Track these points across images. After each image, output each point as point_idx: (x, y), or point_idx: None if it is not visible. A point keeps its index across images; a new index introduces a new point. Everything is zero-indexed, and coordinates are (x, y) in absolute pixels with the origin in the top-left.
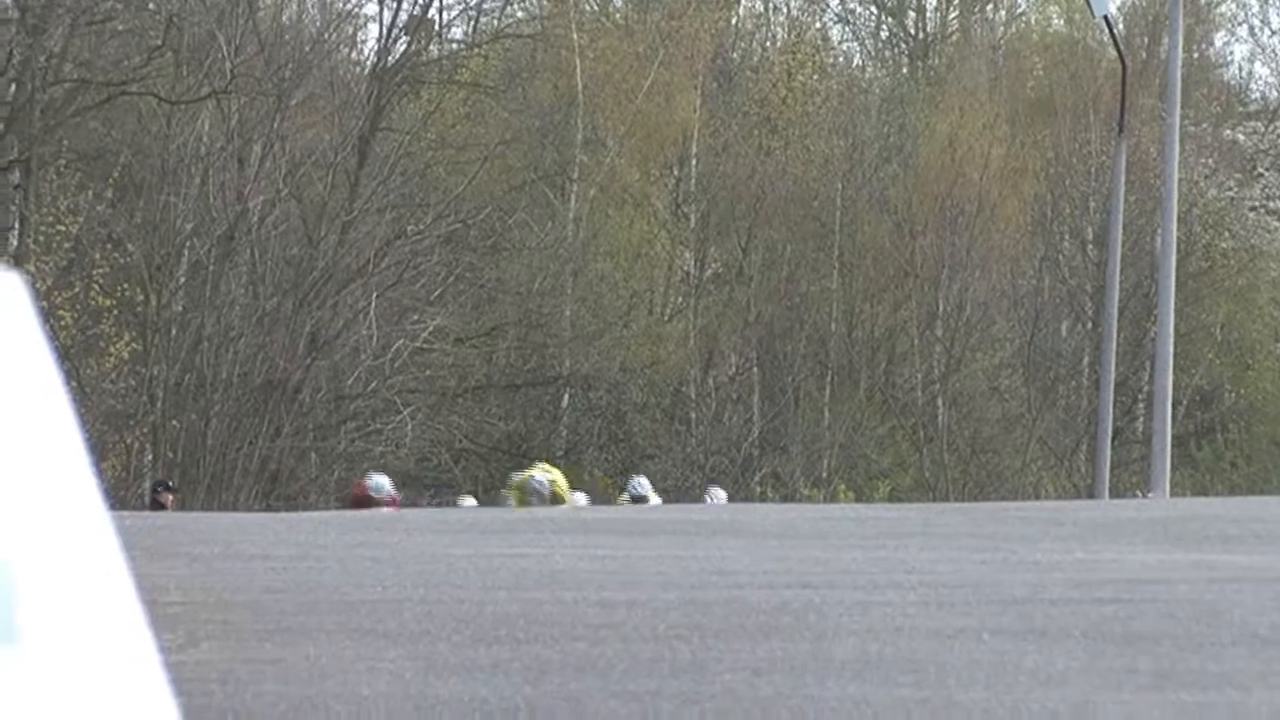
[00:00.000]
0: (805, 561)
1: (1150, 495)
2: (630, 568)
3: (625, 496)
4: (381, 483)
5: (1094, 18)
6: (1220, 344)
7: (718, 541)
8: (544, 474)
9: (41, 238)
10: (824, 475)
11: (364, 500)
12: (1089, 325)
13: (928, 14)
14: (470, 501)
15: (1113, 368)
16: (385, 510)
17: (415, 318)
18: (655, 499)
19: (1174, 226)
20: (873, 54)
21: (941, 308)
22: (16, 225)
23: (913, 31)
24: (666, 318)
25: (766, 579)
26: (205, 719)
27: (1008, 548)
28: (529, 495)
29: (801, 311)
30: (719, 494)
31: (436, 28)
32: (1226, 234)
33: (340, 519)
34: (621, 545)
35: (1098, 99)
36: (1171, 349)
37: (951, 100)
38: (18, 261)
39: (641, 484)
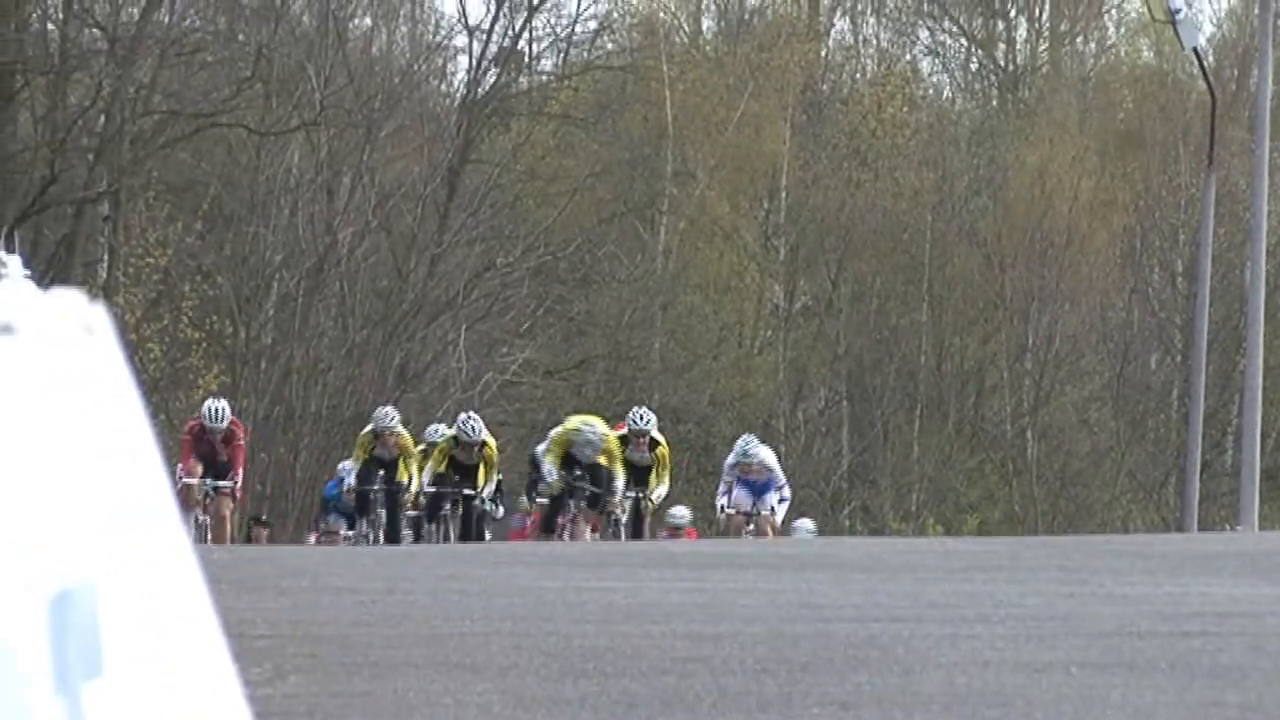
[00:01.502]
0: (893, 595)
1: (1239, 528)
2: (718, 601)
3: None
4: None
5: (1183, 50)
6: None
7: (805, 575)
8: (588, 425)
9: (131, 269)
10: (913, 509)
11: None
12: (1178, 358)
13: (1017, 46)
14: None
15: (1201, 401)
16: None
17: (504, 350)
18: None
19: (1263, 259)
20: (962, 86)
21: (1031, 340)
22: (106, 257)
23: (1002, 64)
24: (756, 350)
25: (854, 612)
26: None
27: (1096, 581)
28: (581, 447)
29: (891, 344)
30: (808, 525)
31: (526, 59)
32: None
33: (428, 552)
34: (709, 579)
35: (1187, 131)
36: (1260, 382)
37: (1041, 133)
38: (107, 294)
39: (680, 514)
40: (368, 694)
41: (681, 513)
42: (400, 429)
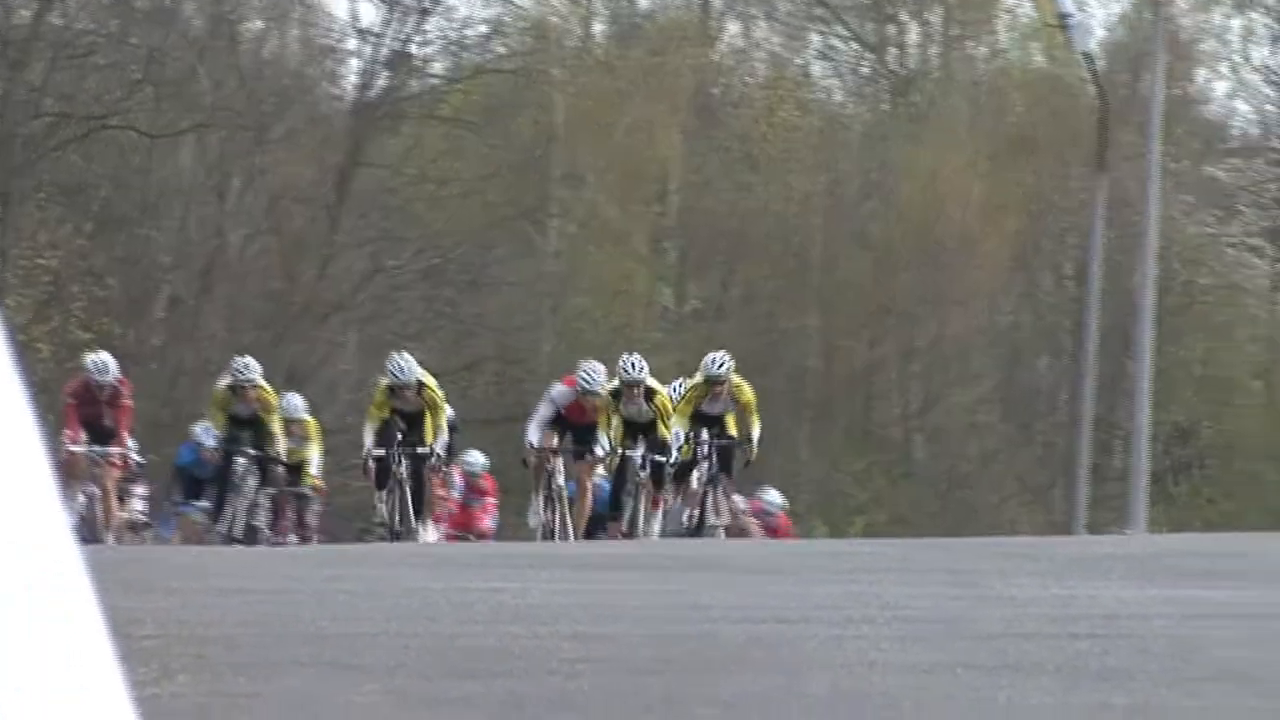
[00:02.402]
0: (779, 596)
1: (1127, 531)
2: (603, 602)
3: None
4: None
5: (1075, 54)
6: (1198, 380)
7: (691, 576)
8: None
9: (21, 271)
10: (801, 511)
11: None
12: (1067, 361)
13: (909, 50)
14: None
15: (1090, 404)
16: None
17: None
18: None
19: (1153, 263)
20: (853, 90)
21: (920, 344)
22: None
23: (894, 68)
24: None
25: (740, 613)
26: None
27: (983, 583)
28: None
29: (780, 347)
30: (776, 497)
31: (417, 62)
32: (1205, 270)
33: (316, 552)
34: (595, 580)
35: (1078, 135)
36: (1149, 385)
37: (932, 137)
38: None
39: (773, 498)
40: (254, 694)
41: (773, 497)
42: (262, 381)
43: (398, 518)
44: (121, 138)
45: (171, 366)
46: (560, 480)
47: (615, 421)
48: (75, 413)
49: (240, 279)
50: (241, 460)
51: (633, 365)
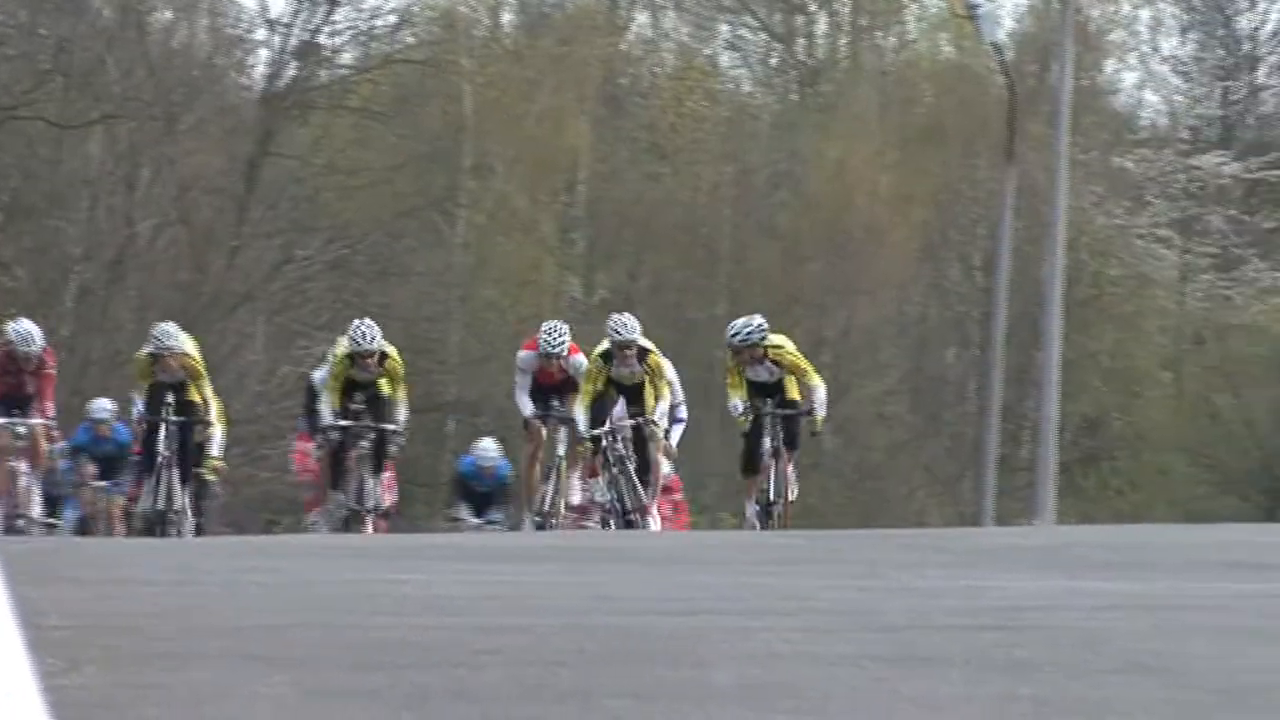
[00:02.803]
0: (689, 587)
1: (1034, 523)
2: (513, 594)
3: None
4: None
5: (983, 44)
6: (1107, 371)
7: (602, 568)
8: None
9: None
10: (709, 502)
11: None
12: (975, 352)
13: (817, 40)
14: None
15: (998, 395)
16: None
17: (303, 343)
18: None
19: (1061, 253)
20: (762, 80)
21: (829, 334)
22: None
23: (802, 58)
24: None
25: (649, 605)
26: None
27: (891, 575)
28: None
29: (689, 338)
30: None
31: (326, 52)
32: (1114, 261)
33: (225, 544)
34: (504, 571)
35: (986, 126)
36: (1057, 376)
37: (841, 127)
38: None
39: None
40: (162, 685)
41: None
42: (186, 347)
43: (357, 498)
44: (30, 128)
45: (80, 357)
46: (620, 449)
47: (601, 388)
48: None
49: (149, 269)
50: (164, 429)
51: (624, 325)
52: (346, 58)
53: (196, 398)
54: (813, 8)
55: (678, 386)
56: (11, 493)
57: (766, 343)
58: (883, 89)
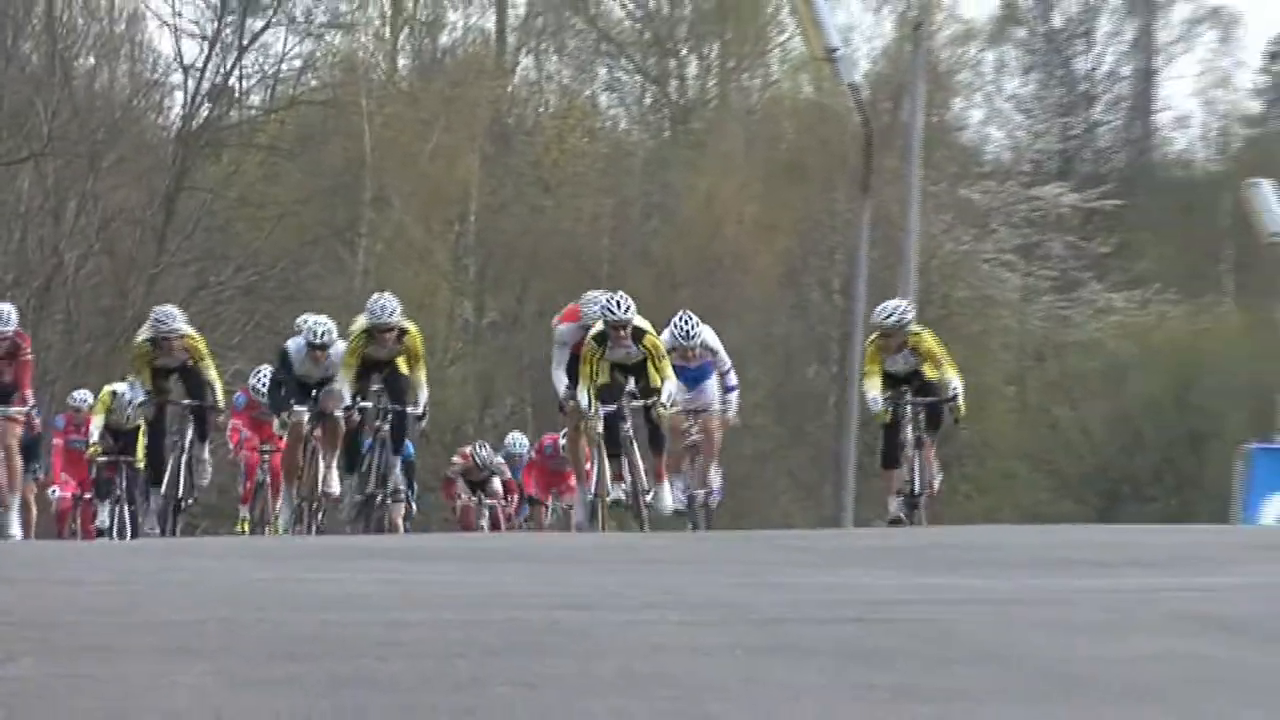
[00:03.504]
0: (578, 585)
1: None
2: (415, 590)
3: None
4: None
5: (841, 85)
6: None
7: (499, 566)
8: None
9: None
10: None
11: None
12: (835, 368)
13: (688, 82)
14: None
15: (857, 407)
16: None
17: (217, 362)
18: None
19: (914, 277)
20: (637, 119)
21: None
22: None
23: (675, 98)
24: (448, 363)
25: (541, 600)
26: None
27: (761, 573)
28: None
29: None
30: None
31: (236, 94)
32: (962, 284)
33: (150, 545)
34: (407, 570)
35: (844, 160)
36: None
37: (710, 162)
38: None
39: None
40: (94, 676)
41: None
42: (187, 329)
43: (375, 480)
44: None
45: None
46: (628, 430)
47: (603, 368)
48: None
49: (75, 295)
50: (172, 410)
51: (617, 304)
52: (255, 99)
53: (210, 376)
54: (684, 51)
55: (724, 354)
56: None
57: (911, 328)
58: (748, 126)
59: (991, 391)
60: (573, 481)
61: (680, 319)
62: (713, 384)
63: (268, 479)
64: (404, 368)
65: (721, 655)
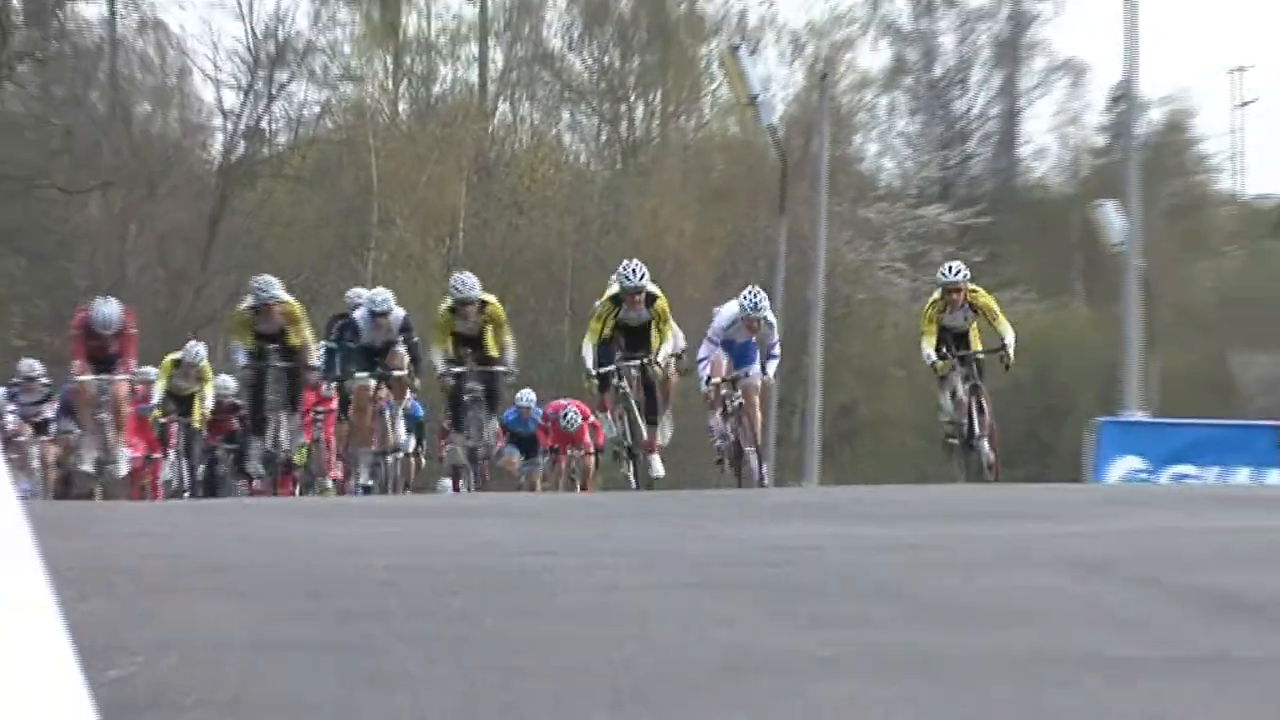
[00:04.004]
0: (548, 536)
1: (804, 485)
2: (411, 541)
3: None
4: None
5: (762, 125)
6: (857, 370)
7: (482, 521)
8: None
9: None
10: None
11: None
12: None
13: (637, 123)
14: None
15: (776, 389)
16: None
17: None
18: None
19: (821, 282)
20: (595, 153)
21: None
22: None
23: (625, 136)
24: None
25: (517, 548)
26: (92, 655)
27: (701, 525)
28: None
29: (543, 349)
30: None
31: (267, 135)
32: (861, 288)
33: (200, 505)
34: (401, 525)
35: (765, 186)
36: (820, 374)
37: (655, 188)
38: None
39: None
40: (152, 612)
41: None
42: (284, 295)
43: (478, 437)
44: (45, 194)
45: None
46: (625, 387)
47: (610, 327)
48: (81, 344)
49: (136, 300)
50: (272, 372)
51: (634, 272)
52: (282, 139)
53: (297, 342)
54: (633, 98)
55: (776, 337)
56: (101, 442)
57: (969, 285)
58: (686, 159)
59: (886, 374)
60: (585, 438)
61: (749, 292)
62: (757, 368)
63: (322, 437)
64: (490, 340)
65: (665, 591)
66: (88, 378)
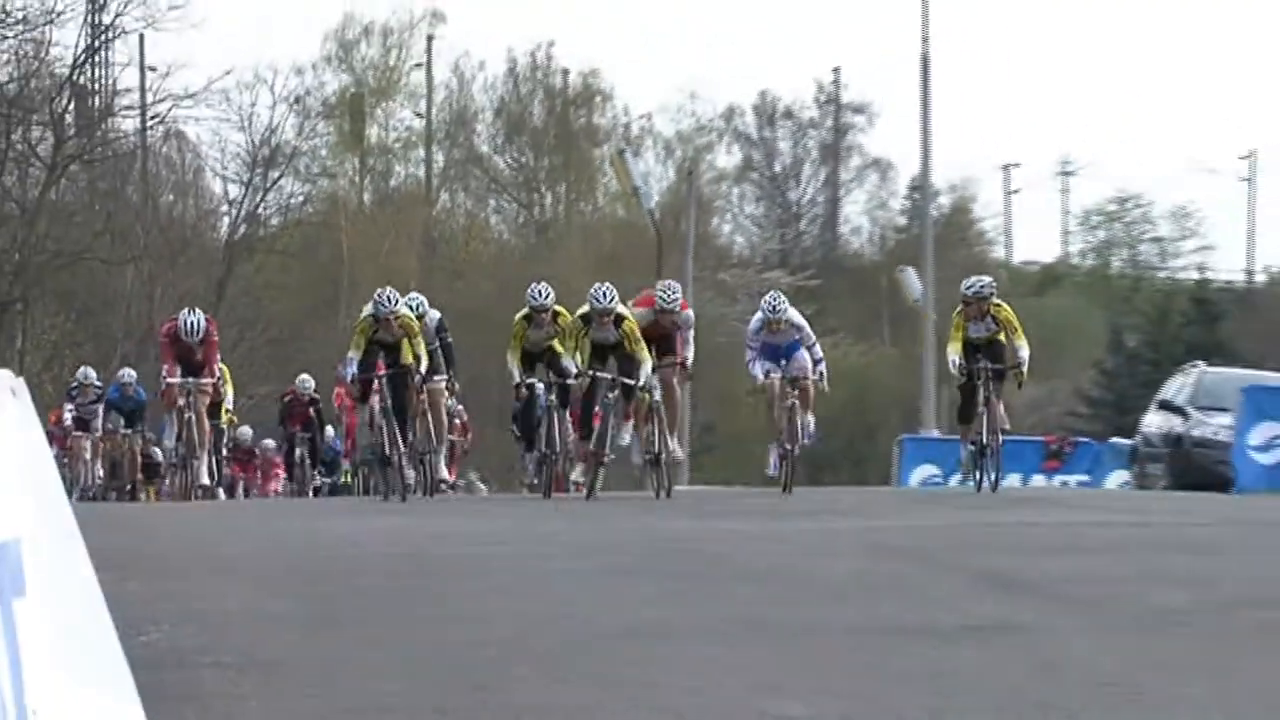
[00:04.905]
0: (487, 530)
1: (681, 488)
2: (379, 536)
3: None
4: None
5: (643, 209)
6: (717, 396)
7: (424, 518)
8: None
9: (34, 341)
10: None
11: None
12: None
13: (546, 207)
14: None
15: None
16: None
17: (250, 391)
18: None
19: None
20: (514, 231)
21: None
22: (20, 337)
23: (538, 218)
24: None
25: (466, 540)
26: (128, 625)
27: (612, 520)
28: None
29: (484, 377)
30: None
31: (262, 218)
32: (720, 336)
33: (214, 507)
34: (378, 521)
35: (646, 256)
36: (691, 399)
37: (560, 258)
38: (21, 361)
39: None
40: (174, 590)
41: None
42: (404, 310)
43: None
44: (91, 265)
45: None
46: (610, 397)
47: (585, 345)
48: (169, 351)
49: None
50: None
51: (604, 295)
52: (274, 221)
53: (409, 357)
54: (543, 189)
55: (809, 330)
56: (185, 437)
57: (993, 299)
58: (584, 235)
59: (739, 400)
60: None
61: (770, 297)
62: (804, 355)
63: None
64: (559, 347)
65: (589, 575)
66: (176, 380)
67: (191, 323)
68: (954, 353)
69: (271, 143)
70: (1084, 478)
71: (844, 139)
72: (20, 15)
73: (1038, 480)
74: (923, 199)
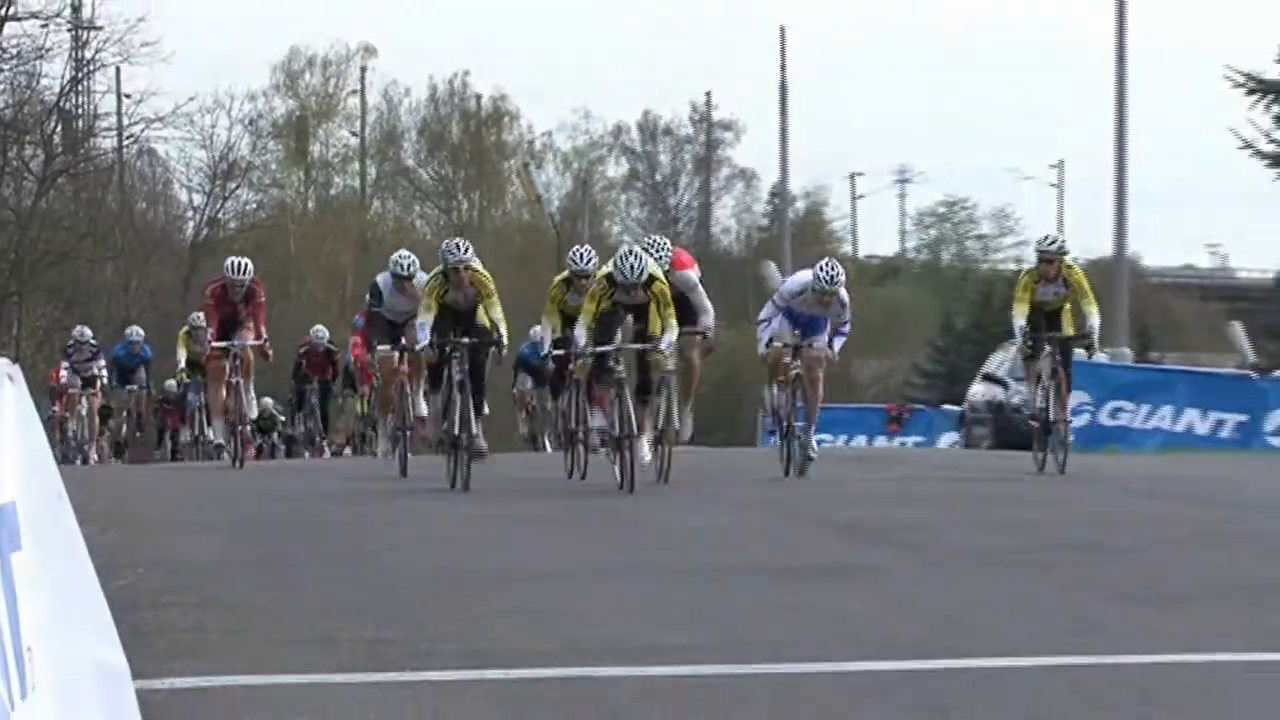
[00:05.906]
0: (464, 507)
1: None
2: (331, 493)
3: None
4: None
5: (546, 213)
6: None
7: (389, 481)
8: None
9: (28, 328)
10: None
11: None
12: None
13: (464, 212)
14: None
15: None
16: None
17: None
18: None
19: None
20: (437, 234)
21: None
22: (16, 325)
23: (456, 221)
24: None
25: (410, 494)
26: (108, 571)
27: (555, 497)
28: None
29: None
30: None
31: (221, 222)
32: None
33: (191, 468)
34: (333, 482)
35: (547, 255)
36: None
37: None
38: (18, 346)
39: None
40: (151, 539)
41: None
42: (475, 262)
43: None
44: (76, 263)
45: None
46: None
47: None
48: (214, 312)
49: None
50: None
51: (630, 268)
52: (233, 224)
53: (485, 320)
54: (461, 197)
55: (848, 313)
56: (230, 405)
57: (1066, 257)
58: (496, 237)
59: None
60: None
61: (826, 263)
62: (824, 337)
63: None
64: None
65: (511, 526)
66: (222, 343)
67: (239, 263)
68: (1020, 316)
69: (229, 158)
70: (920, 439)
71: (715, 152)
72: (15, 51)
73: (881, 441)
74: (782, 203)
